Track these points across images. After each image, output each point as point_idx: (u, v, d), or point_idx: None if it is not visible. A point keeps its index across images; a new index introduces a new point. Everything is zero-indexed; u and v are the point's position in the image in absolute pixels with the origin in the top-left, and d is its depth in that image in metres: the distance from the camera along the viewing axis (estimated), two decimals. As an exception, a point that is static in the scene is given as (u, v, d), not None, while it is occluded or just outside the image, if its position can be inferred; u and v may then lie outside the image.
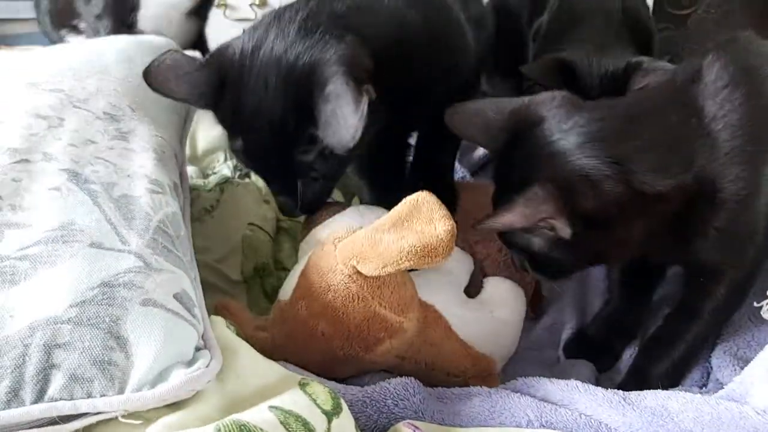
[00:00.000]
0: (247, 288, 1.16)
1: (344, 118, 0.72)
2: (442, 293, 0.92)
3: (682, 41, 1.20)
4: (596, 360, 0.99)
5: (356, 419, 0.71)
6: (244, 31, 0.86)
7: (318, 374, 0.81)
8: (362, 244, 0.79)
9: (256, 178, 1.32)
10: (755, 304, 0.87)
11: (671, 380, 0.87)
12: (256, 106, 0.81)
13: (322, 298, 0.81)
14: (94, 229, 0.70)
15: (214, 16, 1.62)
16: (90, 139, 0.85)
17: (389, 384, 0.78)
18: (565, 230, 0.73)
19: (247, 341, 0.77)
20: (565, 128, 0.74)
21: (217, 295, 1.06)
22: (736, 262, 0.84)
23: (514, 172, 0.78)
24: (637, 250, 0.81)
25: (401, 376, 0.88)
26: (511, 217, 0.72)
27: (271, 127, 0.81)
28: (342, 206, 0.95)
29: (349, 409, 0.70)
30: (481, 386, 0.84)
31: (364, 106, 0.72)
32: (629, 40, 1.21)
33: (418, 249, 0.76)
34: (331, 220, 0.92)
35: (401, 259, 0.76)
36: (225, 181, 1.31)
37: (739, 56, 0.80)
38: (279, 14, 0.82)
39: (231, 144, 0.88)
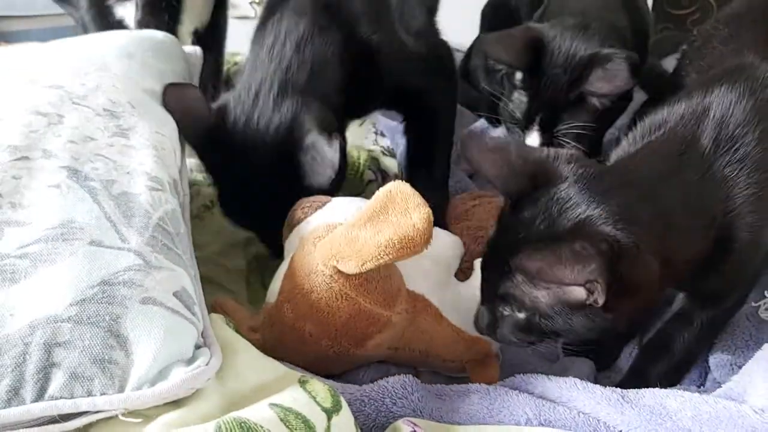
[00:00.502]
0: (246, 282, 1.16)
1: (323, 159, 0.91)
2: (431, 280, 0.91)
3: (690, 54, 1.15)
4: (595, 358, 1.00)
5: (355, 418, 0.71)
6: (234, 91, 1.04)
7: (312, 372, 0.81)
8: (340, 243, 0.79)
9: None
10: (753, 303, 0.87)
11: (670, 381, 0.88)
12: (246, 168, 0.98)
13: (306, 300, 0.81)
14: (93, 227, 0.70)
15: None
16: (90, 135, 0.84)
17: (387, 382, 0.78)
18: (600, 296, 0.67)
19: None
20: (592, 193, 0.71)
21: (216, 289, 1.06)
22: (742, 290, 0.85)
23: (539, 225, 0.72)
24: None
25: (397, 365, 0.89)
26: (561, 270, 0.66)
27: (261, 183, 0.97)
28: (323, 200, 0.94)
29: (349, 407, 0.70)
30: (479, 370, 0.86)
31: (337, 146, 0.92)
32: (627, 24, 1.18)
33: (396, 242, 0.75)
34: (312, 216, 0.91)
35: (380, 255, 0.75)
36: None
37: (748, 88, 0.79)
38: (258, 86, 0.99)
39: (220, 198, 1.05)
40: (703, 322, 0.87)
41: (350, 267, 0.77)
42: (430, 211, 0.78)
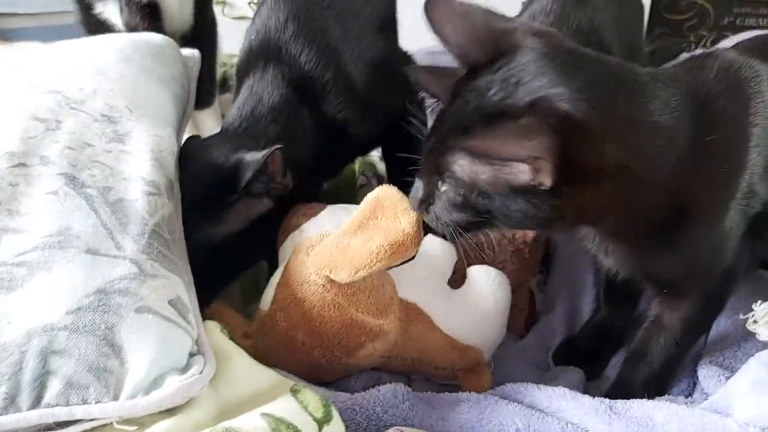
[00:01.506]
0: (241, 285, 1.17)
1: None
2: (424, 288, 0.92)
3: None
4: (585, 367, 1.01)
5: (346, 426, 0.73)
6: None
7: (305, 380, 0.83)
8: (332, 252, 0.80)
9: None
10: (741, 316, 0.88)
11: (655, 389, 0.89)
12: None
13: (298, 309, 0.82)
14: (90, 235, 0.71)
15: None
16: (87, 142, 0.85)
17: (378, 391, 0.79)
18: (546, 177, 0.63)
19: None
20: (557, 68, 0.66)
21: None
22: (700, 281, 0.83)
23: (492, 96, 0.67)
24: (602, 229, 0.78)
25: (389, 372, 0.91)
26: (498, 144, 0.62)
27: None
28: (318, 208, 0.95)
29: (340, 416, 0.71)
30: (471, 377, 0.87)
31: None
32: None
33: (387, 248, 0.77)
34: (306, 224, 0.92)
35: (372, 262, 0.77)
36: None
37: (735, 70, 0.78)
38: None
39: None
40: (675, 324, 0.86)
41: (343, 276, 0.78)
42: (418, 216, 0.79)
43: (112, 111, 0.94)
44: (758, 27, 2.22)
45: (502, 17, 0.74)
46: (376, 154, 1.46)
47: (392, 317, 0.86)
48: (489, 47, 0.70)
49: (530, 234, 1.12)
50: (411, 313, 0.89)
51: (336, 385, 0.89)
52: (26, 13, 1.63)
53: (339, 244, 0.80)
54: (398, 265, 0.84)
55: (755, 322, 0.88)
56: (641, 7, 1.41)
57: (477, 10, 0.73)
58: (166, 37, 1.27)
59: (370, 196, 0.82)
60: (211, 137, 1.06)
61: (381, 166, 1.43)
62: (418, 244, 0.78)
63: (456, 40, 0.72)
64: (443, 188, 0.72)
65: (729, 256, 0.81)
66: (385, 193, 0.82)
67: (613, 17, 1.19)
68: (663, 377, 0.90)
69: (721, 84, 0.76)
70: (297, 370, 0.84)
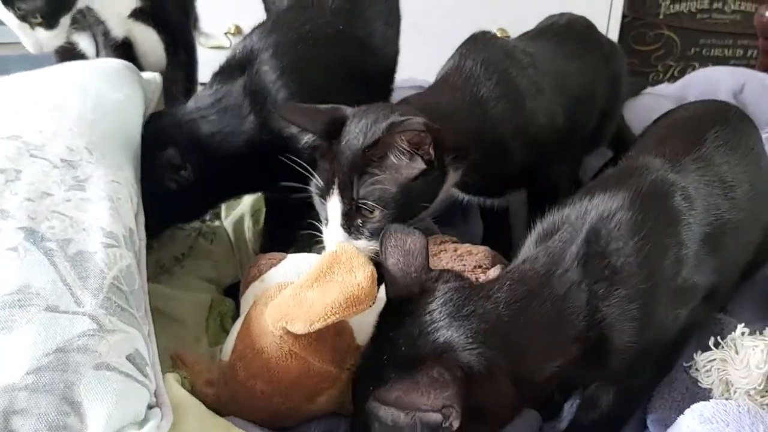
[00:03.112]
0: (206, 327, 1.21)
1: None
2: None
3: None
4: (540, 409, 1.07)
5: None
6: None
7: (265, 427, 0.89)
8: (288, 305, 0.85)
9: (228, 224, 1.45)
10: (684, 364, 0.95)
11: None
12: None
13: (257, 360, 0.88)
14: (50, 292, 0.76)
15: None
16: (46, 191, 0.89)
17: None
18: (455, 420, 0.70)
19: (198, 396, 0.85)
20: (456, 314, 0.76)
21: (178, 327, 1.12)
22: (645, 365, 0.90)
23: (396, 347, 0.76)
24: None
25: (348, 417, 0.94)
26: (418, 397, 0.69)
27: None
28: (278, 257, 1.01)
29: None
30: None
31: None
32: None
33: (342, 302, 0.82)
34: (267, 273, 0.98)
35: (327, 315, 0.82)
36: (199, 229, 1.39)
37: (630, 194, 0.85)
38: None
39: None
40: (617, 397, 0.93)
41: (299, 328, 0.84)
42: (374, 269, 0.86)
43: (71, 154, 0.97)
44: (723, 57, 2.34)
45: (427, 268, 0.83)
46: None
47: (350, 364, 0.91)
48: (415, 288, 0.80)
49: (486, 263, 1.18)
50: None
51: (293, 430, 0.94)
52: (6, 42, 1.64)
53: (296, 296, 0.86)
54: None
55: (697, 370, 0.96)
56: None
57: (416, 252, 0.83)
58: (124, 61, 1.31)
59: (327, 252, 0.89)
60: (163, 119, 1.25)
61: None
62: (372, 299, 0.84)
63: (393, 272, 0.83)
64: None
65: (672, 335, 0.88)
66: (342, 249, 0.88)
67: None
68: (612, 427, 0.96)
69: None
70: (258, 417, 0.90)
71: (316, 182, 1.06)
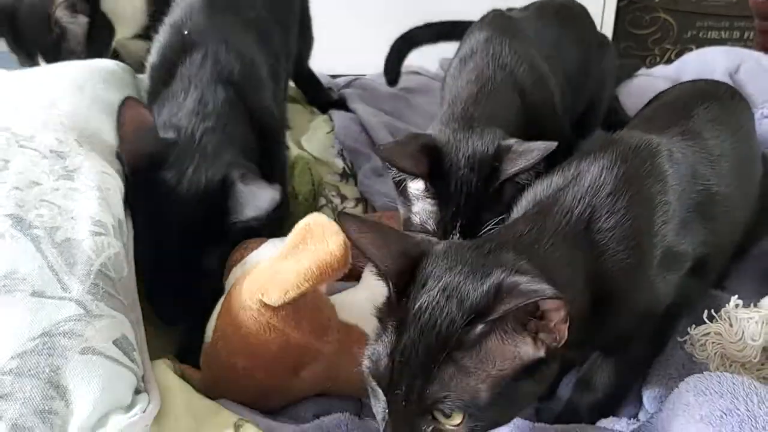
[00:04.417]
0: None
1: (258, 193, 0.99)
2: (366, 310, 0.95)
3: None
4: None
5: None
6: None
7: (254, 409, 0.88)
8: (263, 277, 0.86)
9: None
10: (679, 339, 0.94)
11: (600, 414, 0.94)
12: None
13: (236, 336, 0.88)
14: (36, 277, 0.75)
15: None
16: (35, 180, 0.89)
17: (323, 422, 0.84)
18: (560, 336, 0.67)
19: (189, 381, 0.85)
20: (481, 262, 0.70)
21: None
22: (641, 336, 0.89)
23: (440, 306, 0.67)
24: None
25: (339, 398, 0.95)
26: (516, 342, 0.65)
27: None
28: (259, 242, 1.01)
29: None
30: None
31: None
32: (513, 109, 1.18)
33: (314, 268, 0.83)
34: (249, 256, 0.97)
35: (301, 282, 0.83)
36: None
37: (619, 156, 0.85)
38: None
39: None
40: (620, 362, 0.92)
41: (274, 298, 0.84)
42: (346, 238, 0.85)
43: (61, 146, 0.98)
44: (720, 40, 2.32)
45: (405, 233, 0.80)
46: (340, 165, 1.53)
47: (331, 338, 0.92)
48: (407, 262, 0.72)
49: None
50: (353, 334, 0.94)
51: (286, 413, 0.93)
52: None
53: (270, 269, 0.87)
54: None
55: (692, 344, 0.94)
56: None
57: (386, 228, 0.76)
58: (121, 63, 1.31)
59: (300, 224, 0.90)
60: None
61: (345, 188, 1.48)
62: (345, 265, 0.85)
63: (374, 256, 0.72)
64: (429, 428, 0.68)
65: (663, 301, 0.87)
66: (314, 220, 0.89)
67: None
68: (608, 405, 0.95)
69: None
70: (244, 397, 0.90)
71: (422, 224, 1.06)
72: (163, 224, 0.99)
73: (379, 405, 0.71)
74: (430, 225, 1.06)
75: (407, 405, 0.67)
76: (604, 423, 0.92)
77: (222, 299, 0.94)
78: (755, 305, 0.95)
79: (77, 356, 0.70)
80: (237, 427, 0.74)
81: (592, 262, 0.79)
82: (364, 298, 0.98)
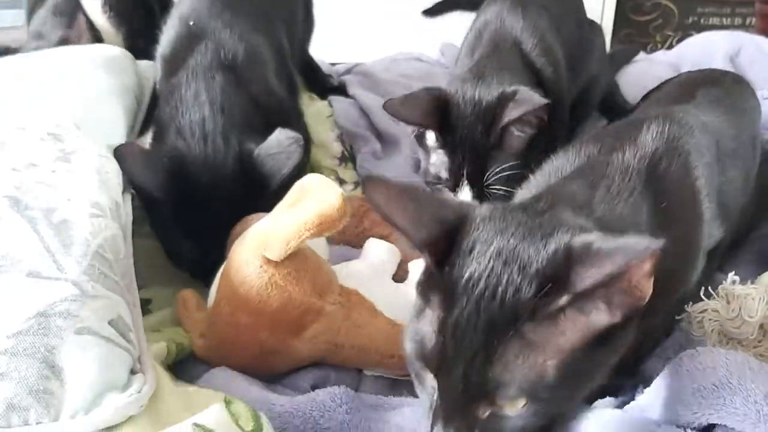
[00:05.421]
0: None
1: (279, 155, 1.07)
2: (366, 279, 0.99)
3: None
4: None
5: (284, 430, 0.79)
6: None
7: (256, 370, 0.90)
8: (265, 232, 0.88)
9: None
10: (676, 317, 0.93)
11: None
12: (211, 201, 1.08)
13: (239, 293, 0.89)
14: (32, 258, 0.75)
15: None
16: (32, 162, 0.89)
17: (317, 395, 0.84)
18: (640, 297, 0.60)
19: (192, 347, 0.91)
20: (536, 220, 0.64)
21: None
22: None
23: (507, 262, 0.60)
24: None
25: (338, 368, 0.95)
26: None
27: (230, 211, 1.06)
28: (260, 216, 1.00)
29: (278, 419, 0.78)
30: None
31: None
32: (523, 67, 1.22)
33: (314, 218, 0.84)
34: (250, 229, 0.97)
35: (301, 232, 0.84)
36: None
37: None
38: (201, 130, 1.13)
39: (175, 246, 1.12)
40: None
41: (275, 250, 0.86)
42: (343, 192, 0.88)
43: (58, 128, 0.98)
44: (721, 26, 2.30)
45: (441, 197, 0.72)
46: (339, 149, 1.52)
47: (332, 299, 0.93)
48: (445, 228, 0.64)
49: None
50: (353, 298, 0.95)
51: (284, 383, 0.93)
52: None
53: (272, 223, 0.89)
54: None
55: (689, 322, 0.93)
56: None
57: (419, 192, 0.68)
58: (122, 49, 1.31)
59: (298, 183, 0.92)
60: None
61: (345, 173, 1.48)
62: (344, 215, 0.86)
63: (405, 224, 0.64)
64: (498, 412, 0.61)
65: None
66: (312, 179, 0.92)
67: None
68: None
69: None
70: (245, 357, 0.90)
71: (436, 174, 1.12)
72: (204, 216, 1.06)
73: (425, 391, 0.63)
74: (443, 174, 1.12)
75: (464, 389, 0.59)
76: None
77: (224, 265, 0.95)
78: (752, 282, 0.94)
79: (72, 336, 0.69)
80: (227, 402, 0.73)
81: (651, 225, 0.74)
82: (364, 267, 1.02)
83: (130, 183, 1.03)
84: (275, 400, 0.83)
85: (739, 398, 0.70)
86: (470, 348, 0.58)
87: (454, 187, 1.11)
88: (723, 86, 1.06)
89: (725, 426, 0.71)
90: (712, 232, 0.87)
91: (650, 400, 0.79)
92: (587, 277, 0.55)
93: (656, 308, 0.75)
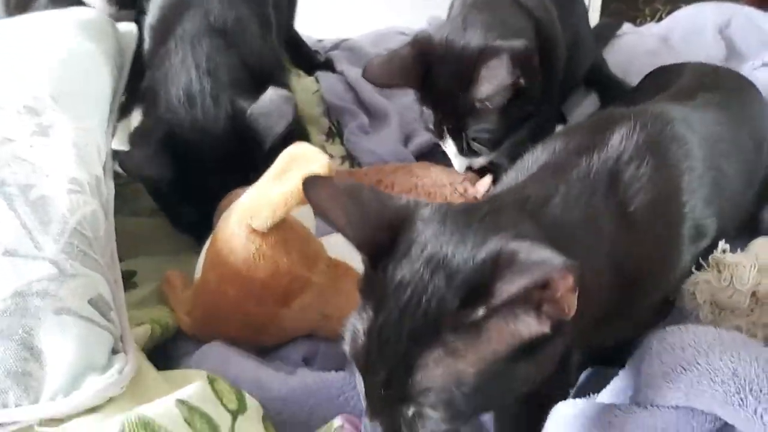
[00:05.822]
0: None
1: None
2: (350, 251, 0.96)
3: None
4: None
5: (281, 416, 0.78)
6: None
7: (245, 346, 0.89)
8: (252, 202, 0.88)
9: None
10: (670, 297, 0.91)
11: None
12: (205, 159, 1.10)
13: (226, 264, 0.88)
14: (8, 236, 0.73)
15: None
16: (8, 137, 0.86)
17: (312, 386, 0.82)
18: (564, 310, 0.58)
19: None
20: (474, 226, 0.61)
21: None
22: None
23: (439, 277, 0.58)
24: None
25: (327, 341, 0.94)
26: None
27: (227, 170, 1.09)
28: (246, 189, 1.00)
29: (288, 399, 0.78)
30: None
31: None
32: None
33: (300, 187, 0.81)
34: (237, 202, 0.96)
35: (288, 200, 0.84)
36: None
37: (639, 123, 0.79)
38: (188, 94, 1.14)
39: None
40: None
41: (262, 219, 0.85)
42: (330, 161, 0.87)
43: (36, 102, 0.94)
44: (711, -1, 2.26)
45: (389, 196, 0.68)
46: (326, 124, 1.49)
47: (319, 269, 0.92)
48: (385, 229, 0.63)
49: (481, 189, 1.18)
50: (340, 268, 0.94)
51: (275, 355, 0.93)
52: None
53: (258, 193, 0.88)
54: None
55: (682, 296, 0.92)
56: None
57: (363, 191, 0.66)
58: (99, 12, 1.26)
59: (284, 152, 0.91)
60: None
61: (332, 148, 1.45)
62: None
63: (343, 224, 0.63)
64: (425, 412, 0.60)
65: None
66: (297, 148, 0.91)
67: None
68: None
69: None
70: (235, 333, 0.89)
71: (425, 124, 1.15)
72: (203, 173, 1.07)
73: (358, 383, 0.64)
74: (430, 126, 1.14)
75: (386, 391, 0.59)
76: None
77: (211, 236, 0.94)
78: (742, 251, 0.93)
79: (51, 316, 0.67)
80: (211, 380, 0.72)
81: (615, 230, 0.72)
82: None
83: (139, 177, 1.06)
84: (268, 384, 0.81)
85: (705, 379, 0.67)
86: (393, 355, 0.58)
87: (440, 138, 1.15)
88: (726, 87, 1.04)
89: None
90: (703, 232, 0.85)
91: (621, 385, 0.76)
92: (505, 290, 0.54)
93: (630, 311, 0.77)
